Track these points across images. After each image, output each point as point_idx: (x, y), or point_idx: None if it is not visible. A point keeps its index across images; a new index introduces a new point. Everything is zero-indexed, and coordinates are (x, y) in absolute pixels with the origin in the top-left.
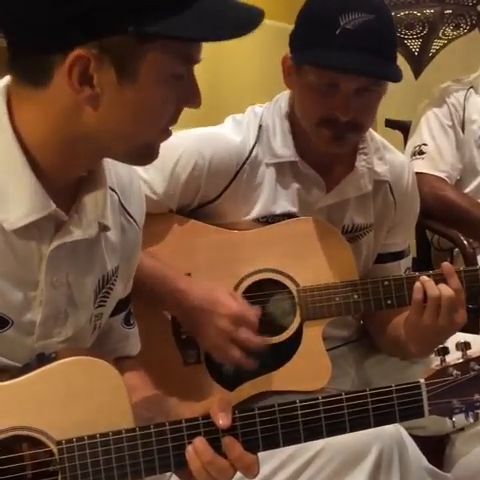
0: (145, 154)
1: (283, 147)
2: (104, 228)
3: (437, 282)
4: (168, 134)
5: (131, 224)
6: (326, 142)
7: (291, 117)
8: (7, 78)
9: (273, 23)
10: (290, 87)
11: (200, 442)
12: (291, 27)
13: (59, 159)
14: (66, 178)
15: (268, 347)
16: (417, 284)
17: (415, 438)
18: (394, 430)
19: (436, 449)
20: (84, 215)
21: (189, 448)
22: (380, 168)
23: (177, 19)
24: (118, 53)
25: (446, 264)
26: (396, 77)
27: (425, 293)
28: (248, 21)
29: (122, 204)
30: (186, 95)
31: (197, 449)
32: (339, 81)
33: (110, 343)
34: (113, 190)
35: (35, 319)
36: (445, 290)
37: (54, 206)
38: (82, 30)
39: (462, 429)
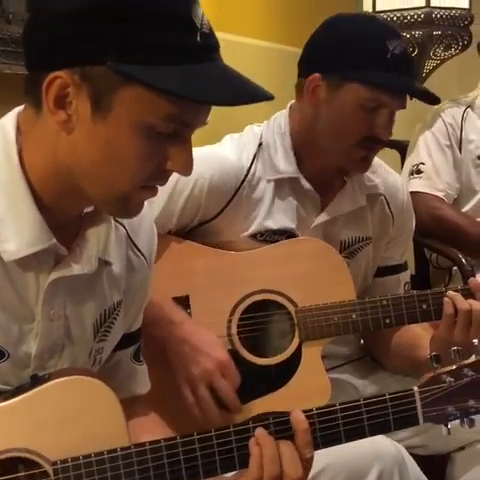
0: (121, 207)
1: (285, 163)
2: (105, 263)
3: (464, 297)
4: (151, 192)
5: (139, 258)
6: (357, 162)
7: (293, 135)
8: (21, 107)
9: (274, 45)
10: (312, 106)
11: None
12: (297, 50)
13: (57, 193)
14: (68, 212)
15: (268, 368)
16: (446, 299)
17: (416, 457)
18: (395, 450)
19: (437, 468)
20: (85, 250)
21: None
22: (371, 182)
23: (162, 70)
24: (96, 84)
25: (473, 280)
26: (437, 98)
27: (455, 307)
28: (240, 92)
29: (130, 238)
30: (173, 158)
31: (259, 439)
32: (388, 101)
33: (117, 378)
34: (121, 224)
35: (30, 351)
36: (475, 304)
37: (54, 240)
38: (67, 53)
39: (462, 448)
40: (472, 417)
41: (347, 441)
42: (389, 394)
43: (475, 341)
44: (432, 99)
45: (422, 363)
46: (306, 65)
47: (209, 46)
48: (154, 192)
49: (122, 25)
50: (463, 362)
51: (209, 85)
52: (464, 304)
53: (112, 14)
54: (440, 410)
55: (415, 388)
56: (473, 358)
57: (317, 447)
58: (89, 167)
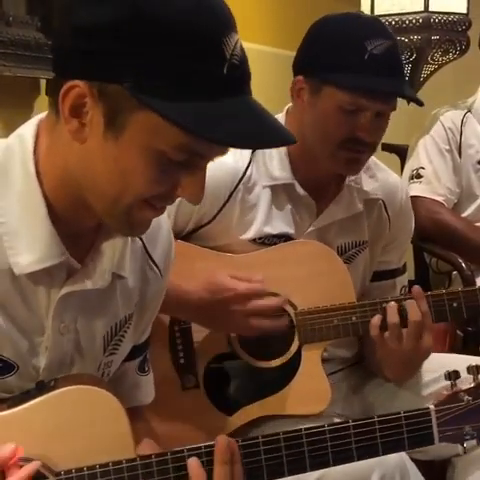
0: (125, 223)
1: (280, 169)
2: (119, 277)
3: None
4: (156, 211)
5: (154, 271)
6: (344, 164)
7: None
8: (44, 114)
9: (272, 49)
10: (300, 109)
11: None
12: (294, 54)
13: (69, 204)
14: (81, 225)
15: (267, 371)
16: (373, 320)
17: (416, 462)
18: (395, 455)
19: (438, 473)
20: (99, 264)
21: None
22: (370, 186)
23: (182, 103)
24: (112, 102)
25: (416, 287)
26: (420, 100)
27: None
28: (256, 135)
29: (147, 250)
30: (183, 186)
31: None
32: (366, 104)
33: (122, 389)
34: (128, 236)
35: (40, 365)
36: (412, 312)
37: (67, 255)
38: (86, 66)
39: (464, 453)
40: None
41: (359, 459)
42: (404, 412)
43: None
44: (413, 101)
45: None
46: (294, 67)
47: (236, 79)
48: (158, 212)
49: (143, 47)
50: None
51: (225, 124)
52: (394, 317)
53: (134, 34)
54: (457, 429)
55: (431, 407)
56: None
57: (327, 464)
58: (95, 181)
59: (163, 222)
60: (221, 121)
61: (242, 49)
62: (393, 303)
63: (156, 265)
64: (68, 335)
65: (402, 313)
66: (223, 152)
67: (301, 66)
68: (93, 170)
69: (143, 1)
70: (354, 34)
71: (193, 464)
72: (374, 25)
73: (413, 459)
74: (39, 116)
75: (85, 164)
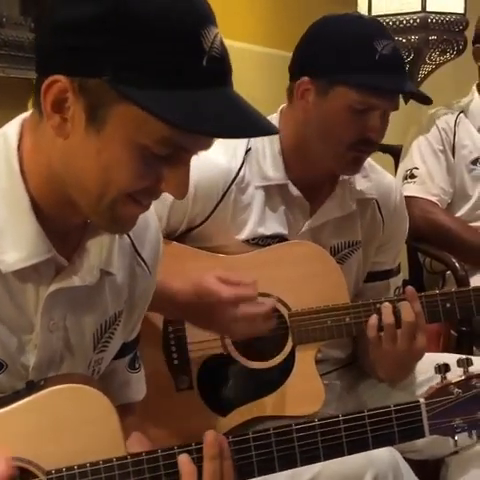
0: (111, 220)
1: (274, 170)
2: (107, 274)
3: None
4: (140, 207)
5: (142, 268)
6: (349, 164)
7: (282, 140)
8: (28, 113)
9: (263, 49)
10: (302, 110)
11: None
12: (288, 54)
13: (54, 202)
14: (68, 223)
15: (261, 372)
16: (371, 319)
17: (410, 462)
18: (389, 455)
19: (431, 473)
20: (87, 261)
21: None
22: (363, 186)
23: (159, 91)
24: (92, 97)
25: (410, 288)
26: (429, 97)
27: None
28: (238, 125)
29: (135, 248)
30: (167, 180)
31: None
32: (377, 103)
33: (112, 387)
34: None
35: (29, 363)
36: (406, 313)
37: (54, 252)
38: (66, 62)
39: (456, 452)
40: None
41: (349, 454)
42: (394, 405)
43: None
44: (422, 98)
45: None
46: (295, 68)
47: (216, 71)
48: (144, 208)
49: (122, 41)
50: (471, 373)
51: (205, 114)
52: (389, 318)
53: (113, 29)
54: (447, 422)
55: (421, 400)
56: None
57: (318, 459)
58: (78, 177)
59: (151, 219)
60: (201, 112)
61: (222, 42)
62: (387, 304)
63: (144, 262)
64: (57, 332)
65: (396, 314)
66: (207, 146)
67: (305, 67)
68: (76, 166)
69: None
70: (362, 35)
71: (184, 460)
72: (378, 26)
73: (406, 459)
74: (23, 115)
75: (68, 160)
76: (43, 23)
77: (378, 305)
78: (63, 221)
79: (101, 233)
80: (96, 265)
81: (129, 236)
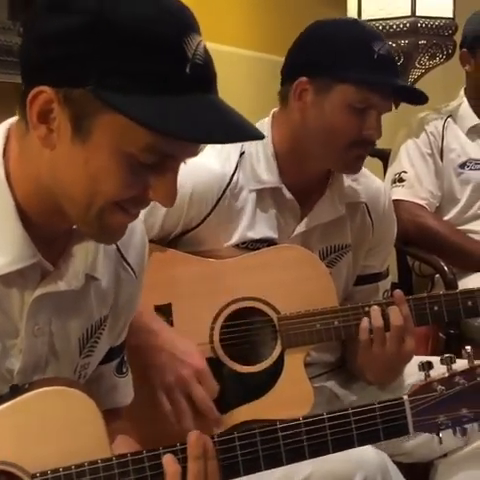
0: (100, 229)
1: (268, 173)
2: (92, 279)
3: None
4: (129, 216)
5: (128, 273)
6: (352, 162)
7: (275, 143)
8: (14, 118)
9: (254, 53)
10: (298, 111)
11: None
12: (279, 59)
13: (42, 211)
14: (55, 228)
15: (250, 376)
16: (364, 320)
17: (399, 465)
18: (378, 458)
19: (420, 476)
20: (72, 266)
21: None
22: (353, 190)
23: (143, 99)
24: (77, 107)
25: (397, 292)
26: (425, 95)
27: (371, 323)
28: (222, 130)
29: (120, 252)
30: (154, 189)
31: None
32: (376, 101)
33: (99, 391)
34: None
35: (13, 368)
36: (394, 317)
37: (39, 256)
38: (50, 73)
39: (445, 455)
40: (465, 426)
41: (334, 451)
42: (378, 403)
43: (468, 348)
44: (419, 96)
45: (358, 371)
46: (291, 70)
47: (200, 78)
48: (132, 218)
49: (105, 52)
50: (455, 370)
51: (189, 119)
52: (378, 321)
53: (93, 37)
54: (431, 419)
55: (405, 397)
56: (465, 366)
57: (303, 457)
58: (67, 187)
59: (136, 225)
60: (184, 118)
61: (206, 50)
62: (376, 307)
63: (130, 266)
64: (42, 337)
65: (385, 317)
66: (193, 153)
67: (303, 68)
68: (64, 177)
69: (104, 7)
70: (360, 35)
71: (168, 460)
72: (372, 29)
73: (395, 462)
74: (9, 120)
75: (56, 171)
76: (27, 35)
77: (367, 308)
78: (49, 227)
79: (87, 238)
80: (81, 270)
81: None
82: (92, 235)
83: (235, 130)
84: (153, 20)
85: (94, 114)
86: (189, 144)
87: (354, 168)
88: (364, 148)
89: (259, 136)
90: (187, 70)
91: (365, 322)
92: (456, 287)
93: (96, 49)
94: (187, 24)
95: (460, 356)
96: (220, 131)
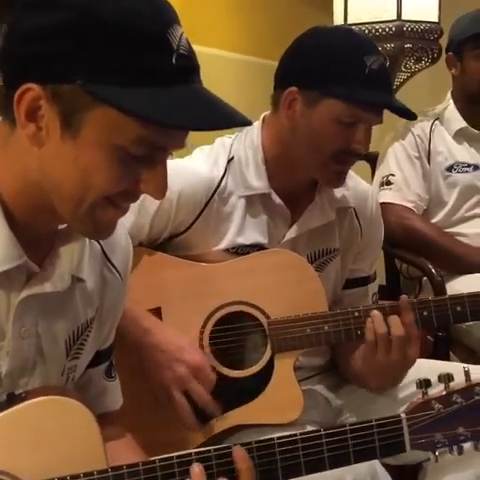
0: (91, 225)
1: (257, 179)
2: (78, 280)
3: (393, 313)
4: (120, 211)
5: (113, 274)
6: (333, 177)
7: (265, 149)
8: None
9: (243, 57)
10: (288, 120)
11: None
12: (267, 62)
13: (29, 210)
14: (41, 229)
15: (240, 380)
16: (368, 323)
17: (388, 467)
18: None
19: (408, 478)
20: (58, 267)
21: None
22: (342, 195)
23: (132, 91)
24: (66, 103)
25: (404, 297)
26: (414, 114)
27: (375, 331)
28: (211, 116)
29: (105, 254)
30: (145, 181)
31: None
32: (365, 117)
33: (89, 396)
34: (96, 240)
35: (1, 370)
36: (395, 327)
37: (25, 258)
38: (37, 70)
39: None
40: (461, 444)
41: (331, 468)
42: (375, 420)
43: (465, 366)
44: (409, 115)
45: (359, 376)
46: (282, 77)
47: (185, 68)
48: (123, 212)
49: (91, 44)
50: (452, 388)
51: (179, 108)
52: (382, 328)
53: (80, 33)
54: (428, 437)
55: (402, 415)
56: (463, 384)
57: (299, 474)
58: (57, 184)
59: (119, 226)
60: (175, 107)
61: (188, 41)
62: (376, 312)
63: (115, 268)
64: (29, 339)
65: (388, 324)
66: (181, 143)
67: (294, 77)
68: (54, 173)
69: (88, 3)
70: (353, 48)
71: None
72: (368, 41)
73: (384, 464)
74: None
75: (46, 168)
76: (10, 33)
77: (356, 313)
78: (35, 228)
79: (72, 239)
80: (67, 271)
81: (99, 243)
82: (83, 231)
83: (224, 117)
84: (138, 14)
85: (84, 109)
86: (179, 134)
87: (335, 183)
88: (349, 160)
89: (246, 122)
90: (173, 61)
91: (370, 323)
92: (444, 289)
93: (84, 44)
94: (169, 16)
95: (448, 358)
96: (210, 118)
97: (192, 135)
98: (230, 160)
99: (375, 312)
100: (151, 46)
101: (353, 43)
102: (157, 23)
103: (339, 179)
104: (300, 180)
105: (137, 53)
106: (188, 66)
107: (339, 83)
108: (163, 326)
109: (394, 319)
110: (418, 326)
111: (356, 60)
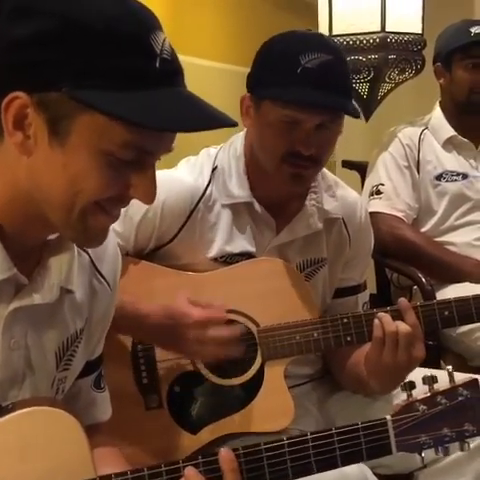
0: (83, 233)
1: (239, 188)
2: (67, 291)
3: (394, 318)
4: (109, 217)
5: (103, 285)
6: (288, 180)
7: (246, 158)
8: None
9: (231, 67)
10: (248, 127)
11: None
12: (248, 70)
13: (19, 221)
14: (30, 240)
15: (230, 389)
16: (376, 321)
17: (379, 477)
18: (358, 471)
19: None
20: (47, 279)
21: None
22: (330, 205)
23: (118, 95)
24: (52, 110)
25: (403, 300)
26: (355, 112)
27: (384, 329)
28: (196, 119)
29: (94, 265)
30: (135, 186)
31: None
32: (300, 117)
33: (77, 407)
34: (85, 250)
35: None
36: (402, 326)
37: (15, 270)
38: (22, 79)
39: (425, 466)
40: (447, 445)
41: (319, 471)
42: (361, 423)
43: (449, 367)
44: (348, 111)
45: (362, 380)
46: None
47: (169, 72)
48: (113, 219)
49: (77, 53)
50: (436, 390)
51: (164, 111)
52: (391, 326)
53: (64, 40)
54: (414, 439)
55: (388, 417)
56: (446, 386)
57: (287, 478)
58: (47, 192)
59: (109, 238)
60: (160, 109)
61: (171, 46)
62: (383, 313)
63: (104, 278)
64: (18, 351)
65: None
66: (169, 147)
67: (248, 84)
68: (44, 181)
69: (71, 10)
70: (290, 49)
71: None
72: (313, 40)
73: (376, 474)
74: None
75: (35, 176)
76: None
77: (345, 320)
78: (24, 239)
79: (61, 251)
80: (56, 283)
81: (88, 253)
82: (75, 239)
83: (209, 118)
84: (120, 19)
85: (71, 116)
86: (166, 138)
87: (294, 185)
88: (299, 163)
89: (231, 123)
90: (157, 65)
91: (377, 320)
92: (434, 298)
93: (68, 51)
94: (151, 22)
95: (439, 367)
96: (195, 120)
97: (182, 146)
98: (214, 169)
99: (381, 313)
100: (134, 51)
101: (293, 43)
102: (139, 28)
103: (295, 182)
104: (280, 189)
105: (121, 58)
106: (171, 69)
107: (272, 85)
108: (152, 304)
109: (400, 320)
110: None
111: (290, 60)
